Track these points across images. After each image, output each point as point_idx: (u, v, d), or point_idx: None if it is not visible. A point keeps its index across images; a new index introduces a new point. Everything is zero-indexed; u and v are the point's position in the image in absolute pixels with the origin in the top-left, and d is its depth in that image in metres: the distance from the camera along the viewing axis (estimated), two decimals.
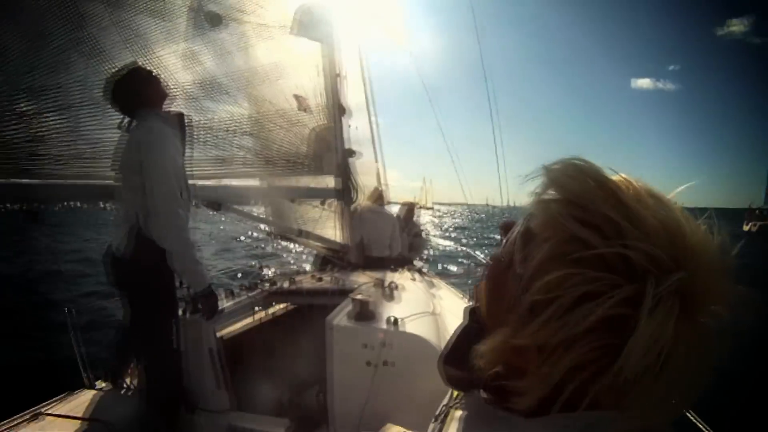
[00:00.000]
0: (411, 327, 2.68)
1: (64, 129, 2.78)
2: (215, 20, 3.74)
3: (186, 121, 2.96)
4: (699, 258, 0.59)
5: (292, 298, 4.02)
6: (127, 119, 2.82)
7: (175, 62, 3.38)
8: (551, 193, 0.66)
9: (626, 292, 0.57)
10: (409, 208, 7.99)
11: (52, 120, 2.73)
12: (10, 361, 6.91)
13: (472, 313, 0.90)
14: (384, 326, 2.65)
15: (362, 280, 4.03)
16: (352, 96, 5.18)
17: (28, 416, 2.62)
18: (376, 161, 6.31)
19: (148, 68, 2.95)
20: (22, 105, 2.61)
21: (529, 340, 0.63)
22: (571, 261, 0.60)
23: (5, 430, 2.47)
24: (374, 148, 6.06)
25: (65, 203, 2.91)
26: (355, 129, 5.22)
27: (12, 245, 16.70)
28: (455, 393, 1.03)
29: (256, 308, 3.75)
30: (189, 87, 3.46)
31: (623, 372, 0.55)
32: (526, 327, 0.63)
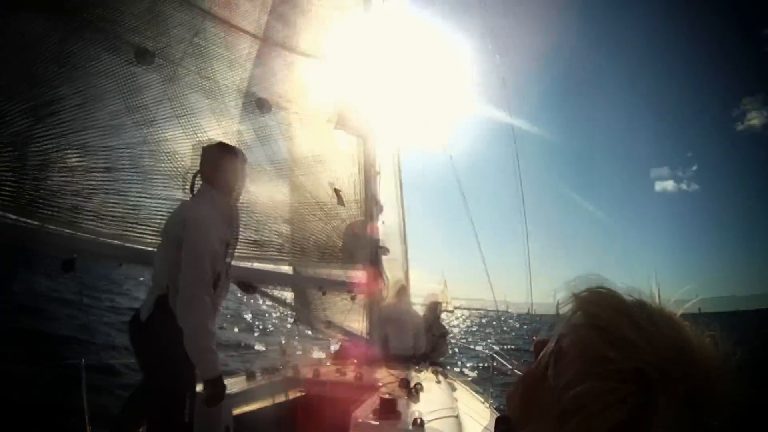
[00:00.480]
0: (438, 428, 2.58)
1: (109, 189, 2.77)
2: (264, 107, 3.77)
3: (235, 211, 2.92)
4: (705, 369, 0.68)
5: (312, 387, 3.81)
6: (188, 186, 2.82)
7: (222, 140, 3.31)
8: (578, 315, 0.77)
9: (640, 400, 0.65)
10: (434, 307, 7.73)
11: (98, 179, 2.72)
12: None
13: (501, 422, 0.95)
14: (410, 427, 2.53)
15: (385, 376, 3.88)
16: (383, 190, 5.13)
17: None
18: (405, 257, 6.19)
19: (240, 151, 2.92)
20: (72, 159, 2.61)
21: None
22: (596, 375, 0.68)
23: None
24: (404, 244, 5.97)
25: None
26: (381, 223, 5.12)
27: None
28: None
29: (275, 393, 3.56)
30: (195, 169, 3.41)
31: None
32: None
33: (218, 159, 2.80)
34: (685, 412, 0.65)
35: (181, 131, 3.11)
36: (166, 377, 2.60)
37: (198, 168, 2.85)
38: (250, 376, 3.54)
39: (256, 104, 3.73)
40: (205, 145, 2.88)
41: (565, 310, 0.80)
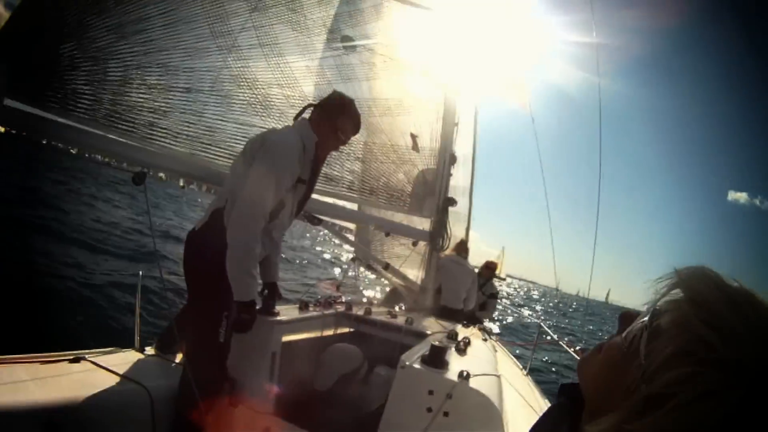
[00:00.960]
0: (480, 386, 2.48)
1: (186, 109, 2.76)
2: (350, 45, 3.68)
3: (319, 161, 2.86)
4: None
5: (363, 326, 3.82)
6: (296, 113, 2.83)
7: (303, 74, 3.30)
8: (676, 293, 0.69)
9: (740, 397, 0.57)
10: (490, 267, 7.61)
11: (176, 98, 2.70)
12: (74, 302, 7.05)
13: (566, 389, 0.90)
14: (455, 378, 2.45)
15: (434, 327, 3.85)
16: (459, 145, 5.00)
17: (70, 357, 2.57)
18: (468, 214, 6.04)
19: (358, 122, 2.89)
20: (152, 78, 2.59)
21: (643, 429, 0.62)
22: (696, 361, 0.61)
23: (44, 362, 2.44)
24: (470, 201, 5.81)
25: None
26: (452, 176, 4.99)
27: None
28: None
29: (324, 326, 3.57)
30: (313, 100, 3.28)
31: None
32: (641, 416, 0.63)
33: (336, 110, 2.76)
34: None
35: (264, 61, 3.05)
36: (204, 293, 2.56)
37: (314, 102, 2.81)
38: (303, 306, 3.52)
39: (342, 42, 3.63)
40: (336, 90, 2.84)
41: (662, 285, 0.71)
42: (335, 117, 2.75)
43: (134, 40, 2.52)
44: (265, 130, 2.86)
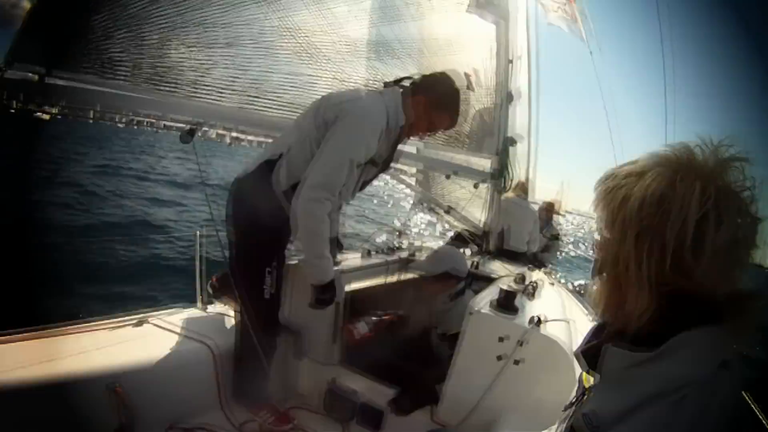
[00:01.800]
0: (552, 332, 2.33)
1: (229, 64, 2.65)
2: None
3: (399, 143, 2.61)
4: None
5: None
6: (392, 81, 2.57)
7: (347, 17, 3.09)
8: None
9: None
10: (549, 208, 7.27)
11: (218, 54, 2.60)
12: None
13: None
14: (526, 324, 2.31)
15: (501, 271, 3.70)
16: (516, 80, 4.60)
17: (134, 321, 2.59)
18: (528, 153, 5.71)
19: (459, 105, 2.58)
20: (190, 37, 2.48)
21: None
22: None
23: (108, 328, 2.46)
24: (529, 139, 5.46)
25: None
26: (511, 113, 4.61)
27: None
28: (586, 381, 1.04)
29: (388, 273, 3.45)
30: (359, 44, 3.20)
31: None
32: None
33: (440, 101, 2.47)
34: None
35: (303, 8, 2.85)
36: (245, 246, 2.44)
37: (417, 77, 2.53)
38: (366, 254, 3.43)
39: None
40: (446, 73, 2.54)
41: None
42: (435, 107, 2.46)
43: (167, 2, 2.39)
44: (329, 90, 2.76)
